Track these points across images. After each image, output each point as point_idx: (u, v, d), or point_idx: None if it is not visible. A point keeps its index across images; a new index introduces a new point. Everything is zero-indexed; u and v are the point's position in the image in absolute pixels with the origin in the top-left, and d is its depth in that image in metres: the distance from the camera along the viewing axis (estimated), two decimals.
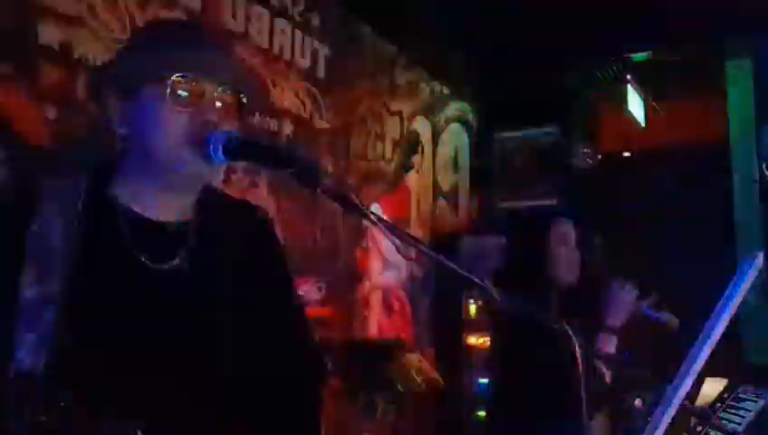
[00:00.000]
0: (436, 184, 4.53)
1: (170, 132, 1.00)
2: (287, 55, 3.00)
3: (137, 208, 1.05)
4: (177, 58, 1.01)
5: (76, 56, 2.02)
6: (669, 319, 2.04)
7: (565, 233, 2.15)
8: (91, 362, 0.93)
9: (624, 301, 2.04)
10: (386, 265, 3.82)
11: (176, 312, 1.03)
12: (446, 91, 4.68)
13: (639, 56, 4.31)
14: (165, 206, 1.07)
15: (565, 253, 2.13)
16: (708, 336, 0.77)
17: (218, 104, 1.03)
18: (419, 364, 3.48)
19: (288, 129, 2.99)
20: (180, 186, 1.07)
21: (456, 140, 4.84)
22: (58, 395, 0.89)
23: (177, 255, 1.06)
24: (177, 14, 2.38)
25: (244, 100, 1.09)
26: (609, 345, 1.99)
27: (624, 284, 2.08)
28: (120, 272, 1.01)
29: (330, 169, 3.25)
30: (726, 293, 0.78)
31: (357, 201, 0.93)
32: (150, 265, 1.03)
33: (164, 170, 1.02)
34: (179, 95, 1.00)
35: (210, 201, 1.15)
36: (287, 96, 3.00)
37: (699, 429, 2.25)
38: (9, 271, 0.94)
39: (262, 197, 2.78)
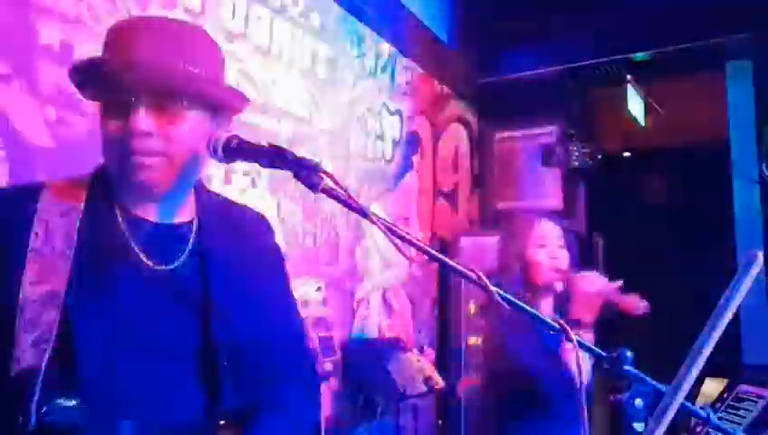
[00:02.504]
0: (436, 184, 4.53)
1: None
2: (287, 55, 3.00)
3: (137, 210, 1.06)
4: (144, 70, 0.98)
5: (76, 56, 2.02)
6: (638, 305, 1.83)
7: (543, 235, 2.09)
8: (92, 362, 0.94)
9: (588, 291, 1.88)
10: (386, 265, 3.82)
11: (176, 313, 1.04)
12: (446, 91, 4.68)
13: (639, 56, 4.31)
14: (164, 208, 1.08)
15: (543, 255, 2.06)
16: (708, 336, 0.77)
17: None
18: (419, 364, 3.48)
19: (288, 129, 2.99)
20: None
21: (456, 140, 4.84)
22: (59, 395, 0.89)
23: (178, 256, 1.07)
24: (177, 14, 2.38)
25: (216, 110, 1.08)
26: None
27: (588, 272, 1.94)
28: (121, 272, 1.01)
29: (330, 168, 3.25)
30: (726, 293, 0.78)
31: (357, 201, 0.94)
32: (151, 266, 1.03)
33: None
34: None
35: (210, 204, 1.16)
36: (287, 96, 3.00)
37: (699, 429, 2.25)
38: (10, 271, 0.94)
39: (262, 197, 2.79)
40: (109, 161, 1.03)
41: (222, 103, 1.09)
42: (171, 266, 1.05)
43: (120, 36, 1.01)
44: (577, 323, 1.83)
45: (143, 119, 0.98)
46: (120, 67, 0.99)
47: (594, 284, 1.88)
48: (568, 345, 1.90)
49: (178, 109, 1.01)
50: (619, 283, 1.86)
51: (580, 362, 0.97)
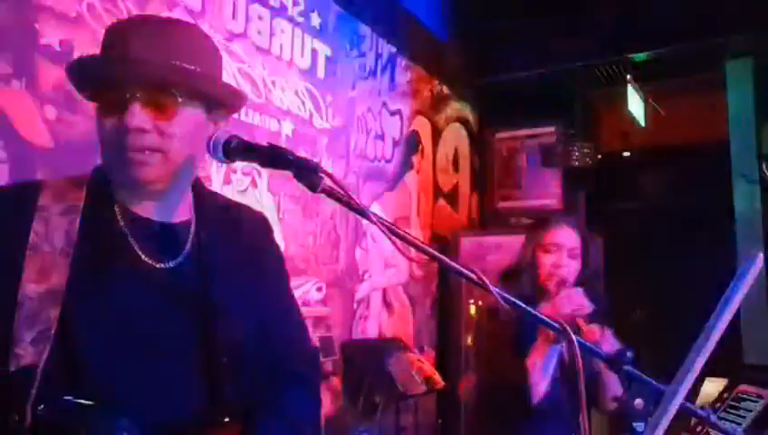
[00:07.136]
0: (436, 184, 4.53)
1: None
2: (287, 55, 3.00)
3: (136, 209, 1.06)
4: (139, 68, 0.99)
5: (76, 56, 2.02)
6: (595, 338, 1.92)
7: (555, 242, 2.06)
8: (92, 360, 0.94)
9: (567, 305, 1.92)
10: (386, 265, 3.82)
11: (176, 310, 1.04)
12: (446, 91, 4.68)
13: (639, 56, 4.31)
14: (162, 206, 1.08)
15: (550, 261, 2.04)
16: (708, 336, 0.77)
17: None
18: (419, 364, 3.48)
19: (288, 129, 2.99)
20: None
21: (455, 140, 4.84)
22: (58, 391, 0.89)
23: (178, 254, 1.07)
24: (177, 14, 2.38)
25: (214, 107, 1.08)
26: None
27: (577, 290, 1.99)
28: (120, 271, 1.01)
29: (330, 169, 3.26)
30: (726, 293, 0.78)
31: (357, 201, 0.94)
32: (151, 265, 1.04)
33: None
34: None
35: (208, 203, 1.16)
36: (287, 96, 3.00)
37: (699, 429, 2.25)
38: (10, 269, 0.94)
39: (262, 197, 2.79)
40: (106, 160, 1.03)
41: (217, 99, 1.08)
42: (171, 265, 1.06)
43: (114, 35, 1.01)
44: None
45: (138, 115, 0.97)
46: (114, 64, 0.99)
47: (575, 300, 1.91)
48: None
49: (173, 104, 1.00)
50: (591, 307, 1.91)
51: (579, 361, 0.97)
